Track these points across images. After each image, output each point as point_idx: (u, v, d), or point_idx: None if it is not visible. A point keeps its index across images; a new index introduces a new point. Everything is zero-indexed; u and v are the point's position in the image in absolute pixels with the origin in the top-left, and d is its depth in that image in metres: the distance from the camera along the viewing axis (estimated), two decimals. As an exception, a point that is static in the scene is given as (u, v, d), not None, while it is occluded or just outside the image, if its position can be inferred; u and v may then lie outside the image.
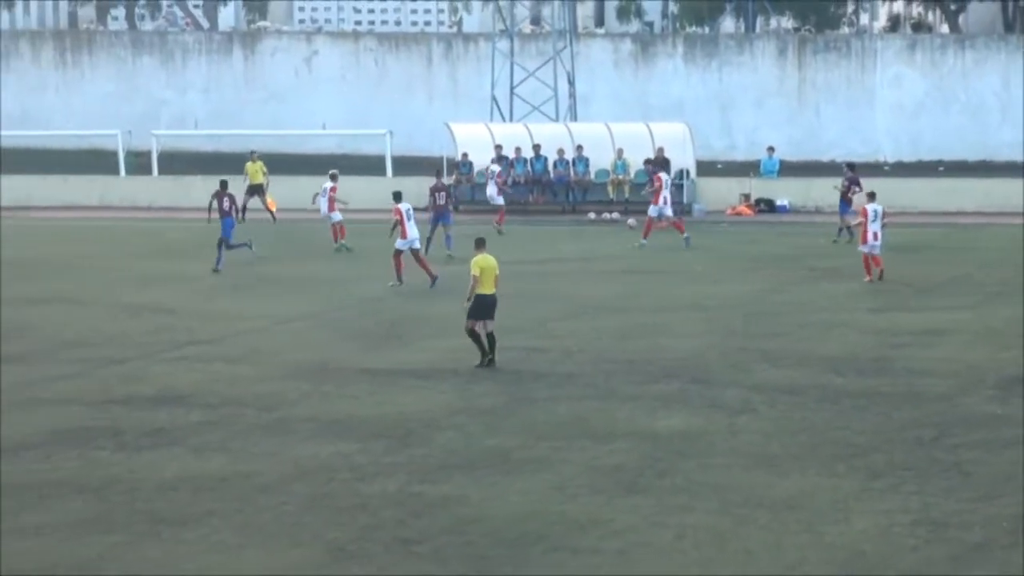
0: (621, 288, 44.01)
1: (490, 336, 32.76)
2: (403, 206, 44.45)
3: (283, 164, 68.03)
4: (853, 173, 55.58)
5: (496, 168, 61.61)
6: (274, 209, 60.91)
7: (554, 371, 32.32)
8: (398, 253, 44.34)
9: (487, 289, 32.58)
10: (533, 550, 20.38)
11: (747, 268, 47.52)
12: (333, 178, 55.45)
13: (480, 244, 33.72)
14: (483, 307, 32.60)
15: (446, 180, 56.11)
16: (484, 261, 32.77)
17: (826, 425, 27.31)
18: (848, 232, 52.02)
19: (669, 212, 52.71)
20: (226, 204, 48.93)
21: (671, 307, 40.50)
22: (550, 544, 20.60)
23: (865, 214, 45.93)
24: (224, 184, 49.94)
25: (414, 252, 44.51)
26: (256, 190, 61.69)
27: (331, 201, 54.18)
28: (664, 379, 31.30)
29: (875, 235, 45.09)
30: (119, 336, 36.68)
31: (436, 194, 51.30)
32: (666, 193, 52.10)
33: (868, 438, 26.37)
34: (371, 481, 23.90)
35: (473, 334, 32.76)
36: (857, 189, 53.04)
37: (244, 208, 58.95)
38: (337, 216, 53.80)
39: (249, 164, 62.68)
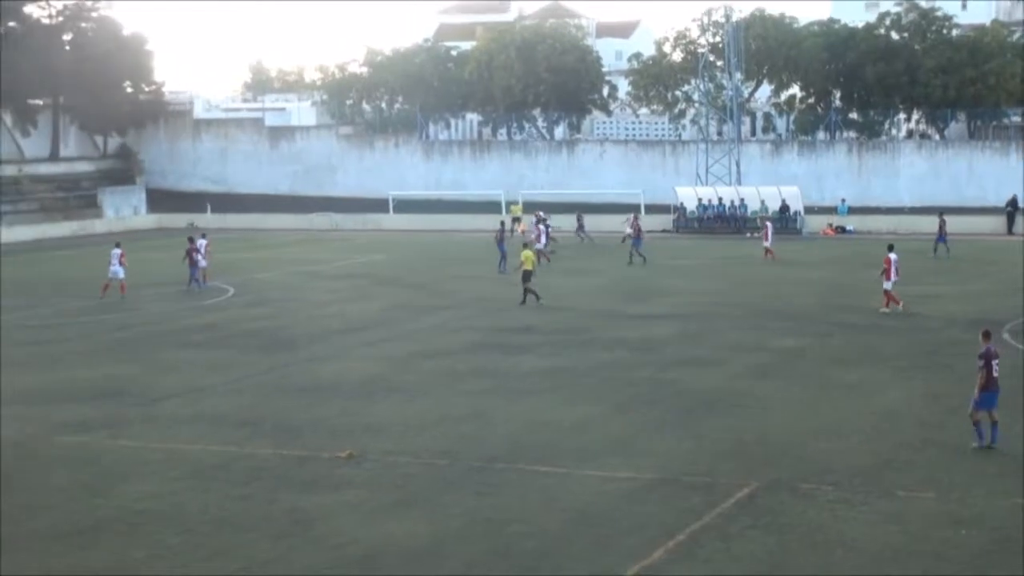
0: (763, 269, 42.70)
1: (531, 289, 34.00)
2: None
3: (582, 208, 67.92)
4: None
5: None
6: (524, 230, 54.31)
7: (729, 315, 31.42)
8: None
9: (529, 267, 34.37)
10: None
11: (827, 262, 45.69)
12: (204, 236, 40.52)
13: (525, 245, 36.83)
14: (527, 275, 34.18)
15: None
16: (526, 254, 34.73)
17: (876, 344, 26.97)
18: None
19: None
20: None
21: (786, 281, 39.12)
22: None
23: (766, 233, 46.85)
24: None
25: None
26: (517, 220, 58.67)
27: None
28: (783, 320, 30.53)
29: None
30: (487, 297, 36.07)
31: (635, 224, 47.91)
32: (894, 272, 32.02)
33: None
34: (635, 370, 24.20)
35: (527, 289, 34.05)
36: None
37: (512, 230, 53.67)
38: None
39: (513, 206, 64.04)
